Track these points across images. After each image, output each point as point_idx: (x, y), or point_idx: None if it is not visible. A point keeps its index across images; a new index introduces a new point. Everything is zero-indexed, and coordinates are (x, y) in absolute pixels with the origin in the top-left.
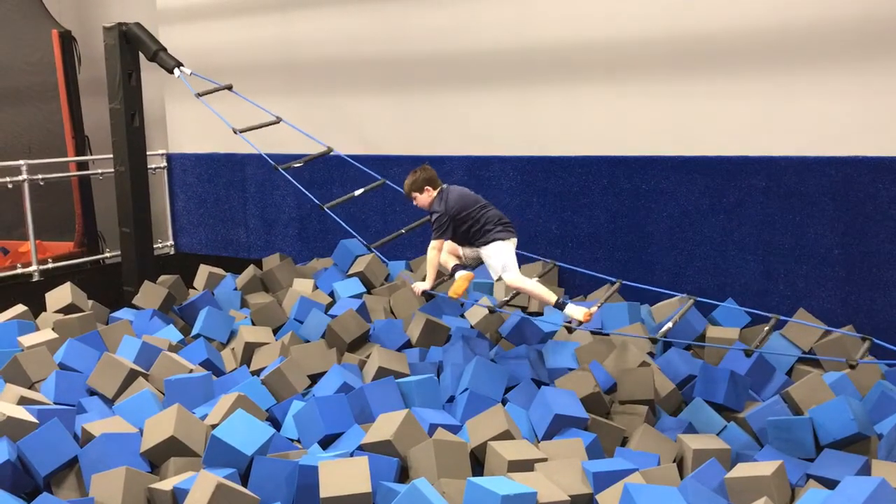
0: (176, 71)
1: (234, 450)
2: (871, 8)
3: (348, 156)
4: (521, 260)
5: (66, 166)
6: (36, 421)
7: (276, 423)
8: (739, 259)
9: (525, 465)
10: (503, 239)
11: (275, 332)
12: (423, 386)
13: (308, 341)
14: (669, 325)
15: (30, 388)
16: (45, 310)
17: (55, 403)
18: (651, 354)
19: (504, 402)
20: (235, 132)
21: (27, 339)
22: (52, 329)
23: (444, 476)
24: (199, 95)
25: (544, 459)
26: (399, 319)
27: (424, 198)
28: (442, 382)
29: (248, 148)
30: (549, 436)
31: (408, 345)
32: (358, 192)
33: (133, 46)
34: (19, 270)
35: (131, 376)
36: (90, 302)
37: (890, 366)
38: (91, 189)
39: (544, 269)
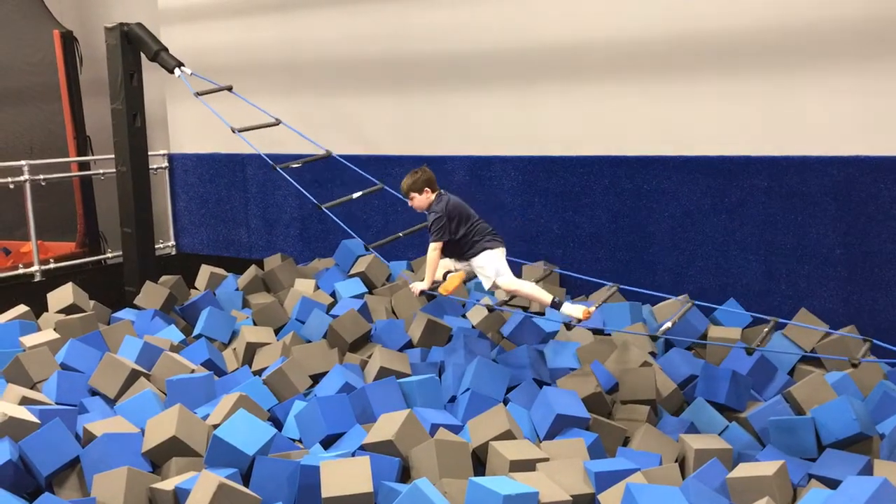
0: (176, 71)
1: (236, 450)
2: (873, 7)
3: (349, 156)
4: (523, 263)
5: (67, 166)
6: (38, 421)
7: (278, 423)
8: (741, 259)
9: (527, 465)
10: (492, 248)
11: (276, 332)
12: (425, 386)
13: (309, 341)
14: (669, 324)
15: (31, 388)
16: (47, 310)
17: (57, 403)
18: (653, 354)
19: (506, 402)
20: (234, 131)
21: (29, 340)
22: (54, 329)
23: (446, 476)
24: (198, 95)
25: (546, 459)
26: (400, 319)
27: (422, 199)
28: (443, 382)
29: (249, 148)
30: (550, 436)
31: (409, 345)
32: (356, 195)
33: (135, 47)
34: (21, 270)
35: (133, 376)
36: (92, 302)
37: (892, 365)
38: (93, 189)
39: (543, 274)
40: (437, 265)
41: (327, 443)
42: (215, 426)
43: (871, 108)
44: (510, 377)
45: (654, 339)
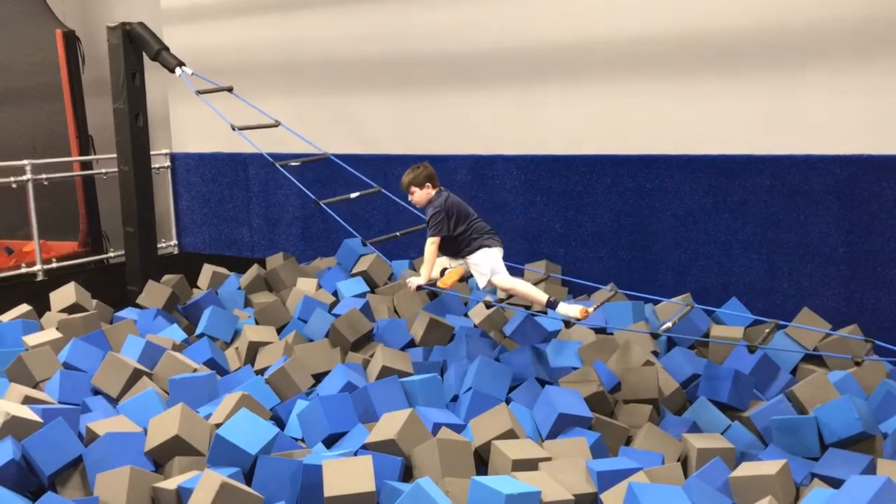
0: (177, 70)
1: (239, 449)
2: (874, 7)
3: (350, 156)
4: (523, 267)
5: (70, 166)
6: (40, 420)
7: (280, 423)
8: (744, 258)
9: (529, 465)
10: (490, 246)
11: (278, 331)
12: (427, 385)
13: (312, 340)
14: (669, 324)
15: (34, 387)
16: (50, 309)
17: (59, 403)
18: (655, 353)
19: (508, 402)
20: (234, 129)
21: (31, 339)
22: (57, 328)
23: (448, 475)
24: (199, 93)
25: (548, 458)
26: (402, 318)
27: (422, 194)
28: (445, 381)
29: (250, 147)
30: (553, 435)
31: (411, 344)
32: (353, 195)
33: (137, 46)
34: (23, 270)
35: (135, 376)
36: (94, 301)
37: (895, 364)
38: (95, 189)
39: (541, 278)
40: (434, 260)
41: (329, 442)
42: (218, 425)
43: (873, 107)
44: (512, 376)
45: (656, 337)
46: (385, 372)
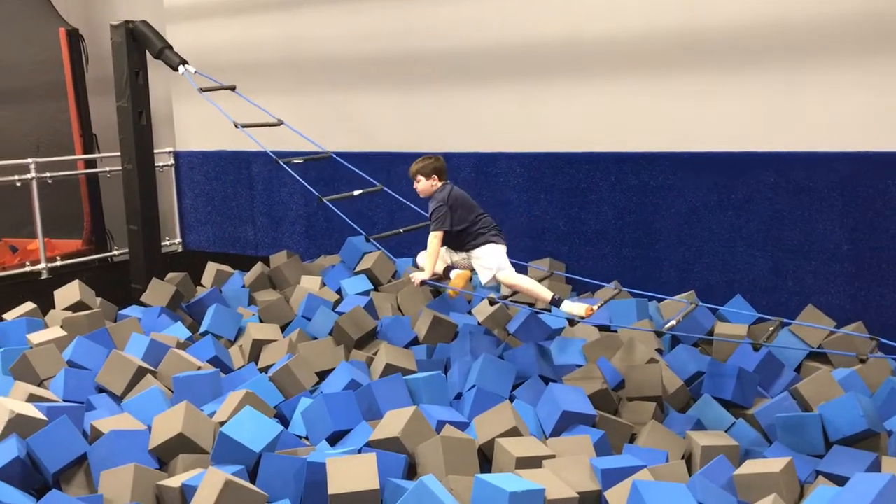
0: (180, 68)
1: (243, 447)
2: (877, 3)
3: (352, 154)
4: (527, 265)
5: (74, 164)
6: (45, 418)
7: (285, 420)
8: (748, 255)
9: (533, 462)
10: (496, 242)
11: (282, 329)
12: (431, 383)
13: (316, 338)
14: (673, 322)
15: (39, 385)
16: (54, 307)
17: (64, 401)
18: (659, 351)
19: (512, 399)
20: (237, 126)
21: (36, 337)
22: (61, 327)
23: (452, 473)
24: (202, 91)
25: (552, 456)
26: (406, 316)
27: (427, 185)
28: (449, 379)
29: (254, 145)
30: (556, 432)
31: (415, 341)
32: (356, 193)
33: (140, 44)
34: (28, 268)
35: (140, 373)
36: (98, 299)
37: None
38: (99, 187)
39: (545, 275)
40: (437, 255)
41: (333, 440)
42: (222, 423)
43: (877, 104)
44: (516, 374)
45: (660, 335)
46: (389, 370)
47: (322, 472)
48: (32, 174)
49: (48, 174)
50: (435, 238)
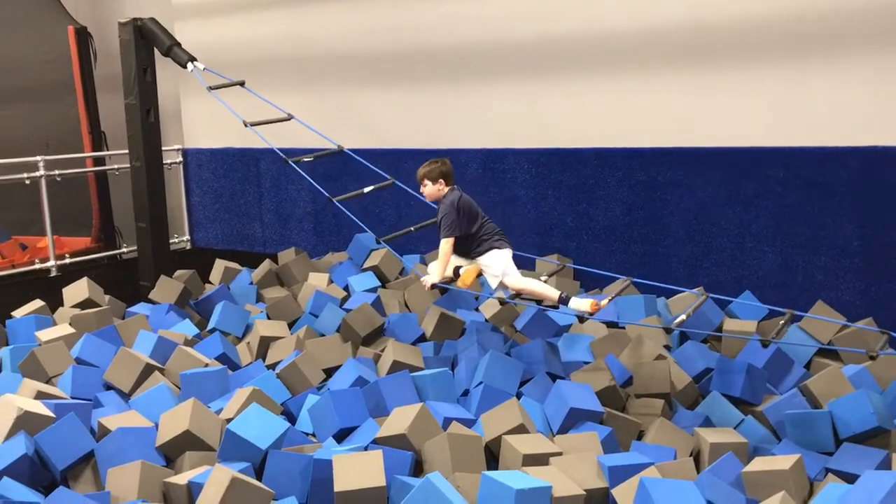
0: (189, 65)
1: (249, 444)
2: None
3: (360, 150)
4: (535, 258)
5: (82, 162)
6: (53, 415)
7: (292, 417)
8: (757, 251)
9: (540, 459)
10: (500, 248)
11: (290, 326)
12: (438, 380)
13: (323, 335)
14: (683, 317)
15: (47, 382)
16: (63, 305)
17: (72, 398)
18: (667, 347)
19: (519, 396)
20: (246, 125)
21: (44, 334)
22: (70, 324)
23: (459, 470)
24: (210, 89)
25: (559, 453)
26: (414, 313)
27: (433, 189)
28: (456, 376)
29: (262, 143)
30: (564, 429)
31: (422, 338)
32: (367, 190)
33: (148, 42)
34: (37, 266)
35: (147, 371)
36: (107, 297)
37: None
38: (108, 184)
39: (556, 269)
40: (448, 259)
41: (340, 437)
42: (228, 420)
43: (887, 97)
44: (523, 371)
45: (668, 331)
46: (396, 366)
47: (328, 469)
48: (41, 172)
49: (57, 172)
50: (447, 244)
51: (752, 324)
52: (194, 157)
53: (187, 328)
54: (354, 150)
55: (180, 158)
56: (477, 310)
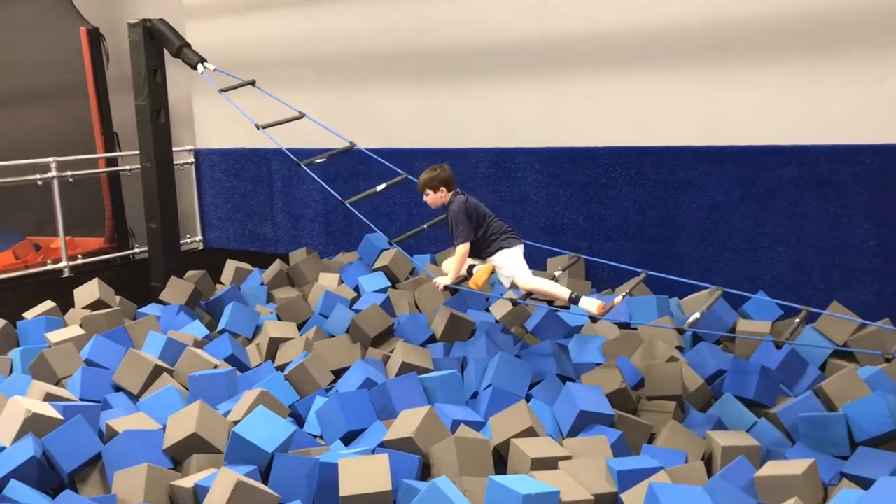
0: (199, 67)
1: (255, 447)
2: None
3: (372, 150)
4: (547, 253)
5: (95, 163)
6: (61, 417)
7: (300, 420)
8: (771, 251)
9: (548, 463)
10: (509, 247)
11: (300, 326)
12: (447, 382)
13: (333, 336)
14: (697, 315)
15: (56, 384)
16: (74, 306)
17: (81, 400)
18: (680, 349)
19: (528, 399)
20: (258, 128)
21: (54, 336)
22: (80, 325)
23: (466, 474)
24: (222, 91)
25: (568, 457)
26: (423, 314)
27: (436, 197)
28: (465, 378)
29: (274, 143)
30: (573, 433)
31: (432, 339)
32: (380, 188)
33: (158, 43)
34: (50, 266)
35: (156, 372)
36: (118, 298)
37: None
38: (120, 185)
39: (569, 262)
40: (464, 262)
41: (348, 439)
42: (236, 423)
43: None
44: (533, 373)
45: (681, 332)
46: (405, 368)
47: (334, 472)
48: (54, 173)
49: (69, 172)
50: (463, 248)
51: (765, 325)
52: (206, 157)
53: (197, 329)
54: (366, 150)
55: (192, 159)
56: (487, 310)
